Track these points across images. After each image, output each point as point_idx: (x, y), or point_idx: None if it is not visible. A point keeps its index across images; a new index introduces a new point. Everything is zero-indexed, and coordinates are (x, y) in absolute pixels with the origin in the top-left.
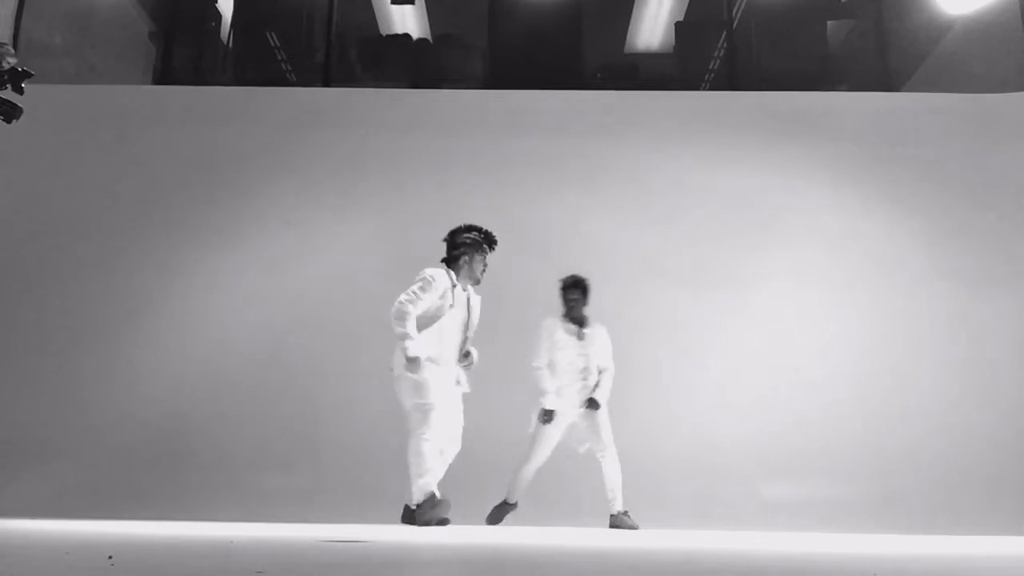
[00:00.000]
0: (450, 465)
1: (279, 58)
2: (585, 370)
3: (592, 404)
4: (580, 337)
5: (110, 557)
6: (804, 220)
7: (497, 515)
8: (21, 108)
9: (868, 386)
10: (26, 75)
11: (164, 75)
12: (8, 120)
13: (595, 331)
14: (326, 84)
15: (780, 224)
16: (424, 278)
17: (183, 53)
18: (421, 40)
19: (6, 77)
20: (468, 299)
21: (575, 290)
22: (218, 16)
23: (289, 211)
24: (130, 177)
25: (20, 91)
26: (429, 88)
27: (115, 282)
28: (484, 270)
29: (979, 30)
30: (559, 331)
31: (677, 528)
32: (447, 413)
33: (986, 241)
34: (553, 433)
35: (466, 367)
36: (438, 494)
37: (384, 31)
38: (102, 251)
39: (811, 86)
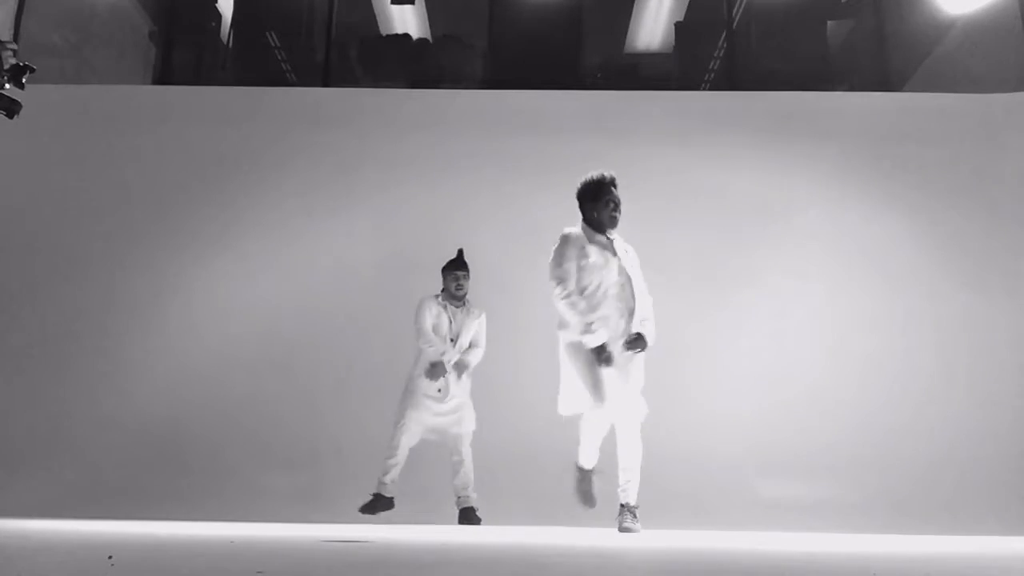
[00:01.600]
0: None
1: (279, 58)
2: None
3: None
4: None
5: (110, 557)
6: (804, 220)
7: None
8: (20, 104)
9: (868, 385)
10: (27, 70)
11: (164, 75)
12: (10, 116)
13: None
14: (326, 84)
15: (780, 224)
16: None
17: (183, 53)
18: (421, 40)
19: (7, 76)
20: (451, 316)
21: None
22: (218, 16)
23: (288, 211)
24: (129, 177)
25: (21, 86)
26: (429, 88)
27: (115, 282)
28: (456, 287)
29: (979, 30)
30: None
31: (677, 528)
32: (420, 418)
33: (986, 241)
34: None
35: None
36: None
37: (384, 31)
38: (102, 251)
39: (811, 86)
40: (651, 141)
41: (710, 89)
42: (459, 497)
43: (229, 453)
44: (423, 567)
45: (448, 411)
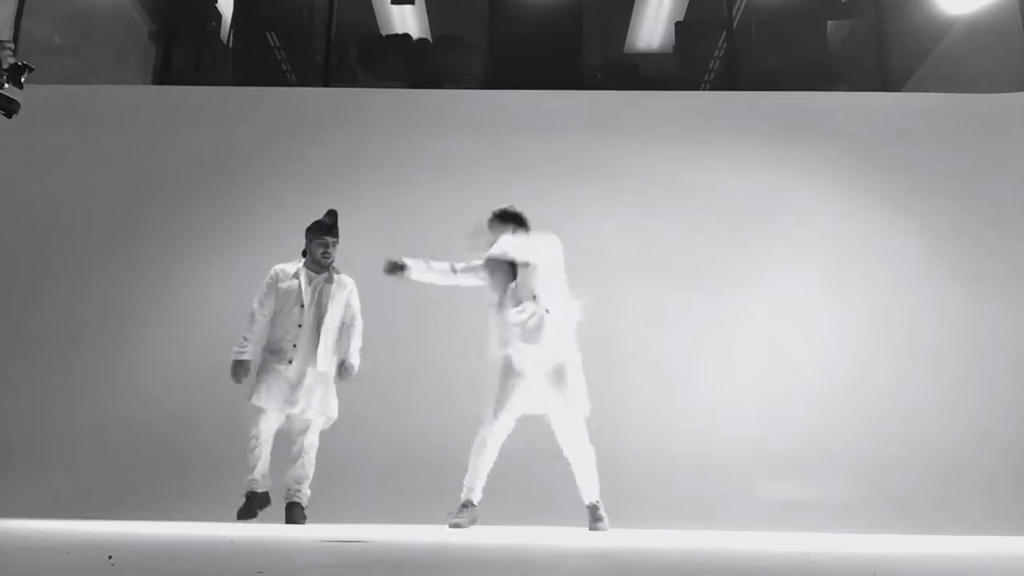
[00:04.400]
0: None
1: (279, 58)
2: None
3: None
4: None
5: (110, 557)
6: (804, 220)
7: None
8: (19, 103)
9: (867, 386)
10: (26, 69)
11: (164, 75)
12: (8, 115)
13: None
14: (326, 84)
15: (779, 224)
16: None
17: (183, 53)
18: (421, 40)
19: (6, 75)
20: (312, 285)
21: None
22: (218, 16)
23: (288, 211)
24: (129, 177)
25: (20, 86)
26: (429, 88)
27: (114, 282)
28: (323, 253)
29: (979, 30)
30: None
31: (677, 528)
32: (271, 409)
33: (986, 241)
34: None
35: (343, 378)
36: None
37: (384, 31)
38: (101, 251)
39: (811, 86)
40: (651, 141)
41: (710, 89)
42: (288, 490)
43: (229, 454)
44: (423, 567)
45: (301, 392)
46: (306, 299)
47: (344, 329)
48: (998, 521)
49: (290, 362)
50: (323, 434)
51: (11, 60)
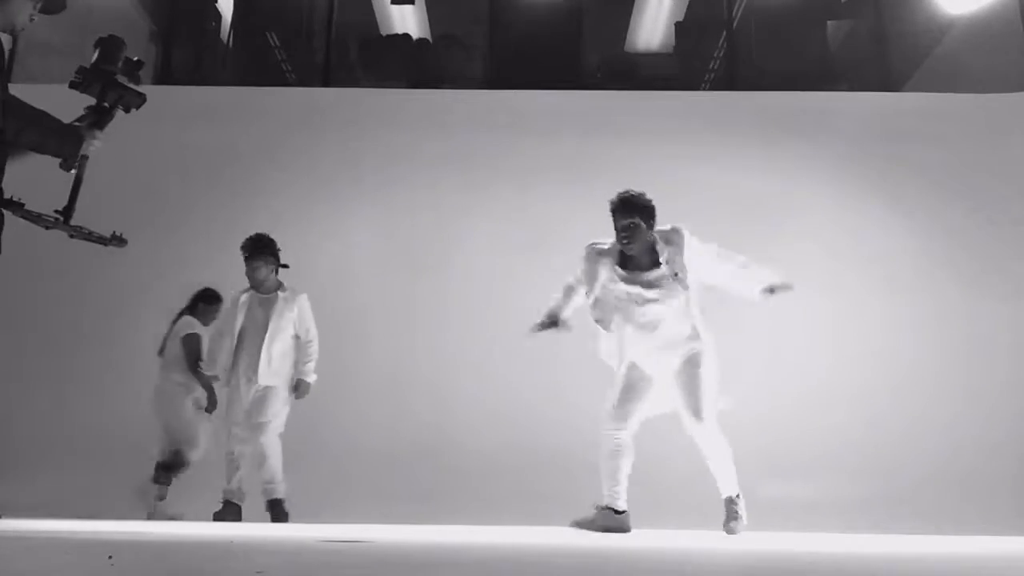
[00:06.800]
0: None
1: (279, 58)
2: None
3: None
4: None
5: (110, 557)
6: (804, 220)
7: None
8: (144, 96)
9: (868, 386)
10: (140, 64)
11: (164, 75)
12: (127, 110)
13: None
14: (326, 84)
15: (780, 224)
16: None
17: (183, 53)
18: (421, 40)
19: (121, 68)
20: (249, 307)
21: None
22: (218, 16)
23: (288, 211)
24: (129, 177)
25: (137, 80)
26: (429, 88)
27: (115, 281)
28: (248, 275)
29: (979, 30)
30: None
31: (677, 528)
32: (231, 426)
33: (986, 241)
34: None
35: (298, 396)
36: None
37: (384, 31)
38: (101, 250)
39: (811, 86)
40: (651, 141)
41: (710, 89)
42: (264, 489)
43: None
44: (423, 567)
45: (249, 407)
46: (239, 322)
47: (300, 345)
48: (998, 521)
49: (229, 382)
50: (325, 435)
51: (126, 55)
